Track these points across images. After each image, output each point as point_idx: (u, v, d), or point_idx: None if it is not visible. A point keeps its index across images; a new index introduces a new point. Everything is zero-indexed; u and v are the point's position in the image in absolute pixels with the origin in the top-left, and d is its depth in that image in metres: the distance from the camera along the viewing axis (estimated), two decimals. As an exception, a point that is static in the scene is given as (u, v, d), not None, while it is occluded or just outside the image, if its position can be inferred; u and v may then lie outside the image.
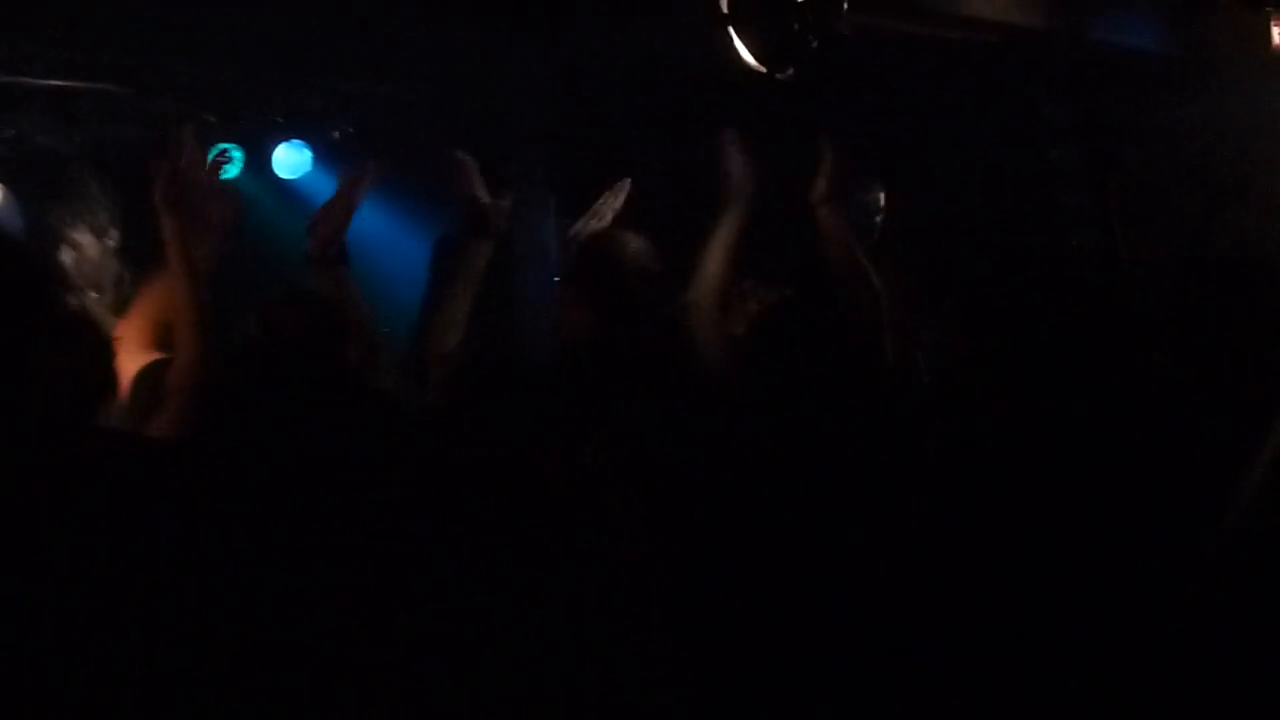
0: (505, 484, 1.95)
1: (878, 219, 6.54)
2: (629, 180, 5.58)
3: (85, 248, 5.37)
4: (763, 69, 5.75)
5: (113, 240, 5.99)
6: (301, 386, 3.39)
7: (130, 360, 4.44)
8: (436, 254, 6.28)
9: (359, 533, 2.99)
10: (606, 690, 1.85)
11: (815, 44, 5.69)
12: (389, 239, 7.95)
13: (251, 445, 3.28)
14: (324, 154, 8.13)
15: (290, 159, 8.13)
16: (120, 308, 4.99)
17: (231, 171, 7.55)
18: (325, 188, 7.65)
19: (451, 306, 5.05)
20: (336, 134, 8.13)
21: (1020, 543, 3.30)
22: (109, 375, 3.43)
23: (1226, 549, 2.95)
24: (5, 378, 2.78)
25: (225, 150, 6.19)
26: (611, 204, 5.58)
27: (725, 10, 5.67)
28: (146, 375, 4.28)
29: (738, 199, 4.86)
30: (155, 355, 4.34)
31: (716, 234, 4.82)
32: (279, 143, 8.09)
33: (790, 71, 5.76)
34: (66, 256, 5.38)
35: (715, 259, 4.84)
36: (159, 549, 2.69)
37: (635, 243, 4.97)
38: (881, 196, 6.37)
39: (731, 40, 5.70)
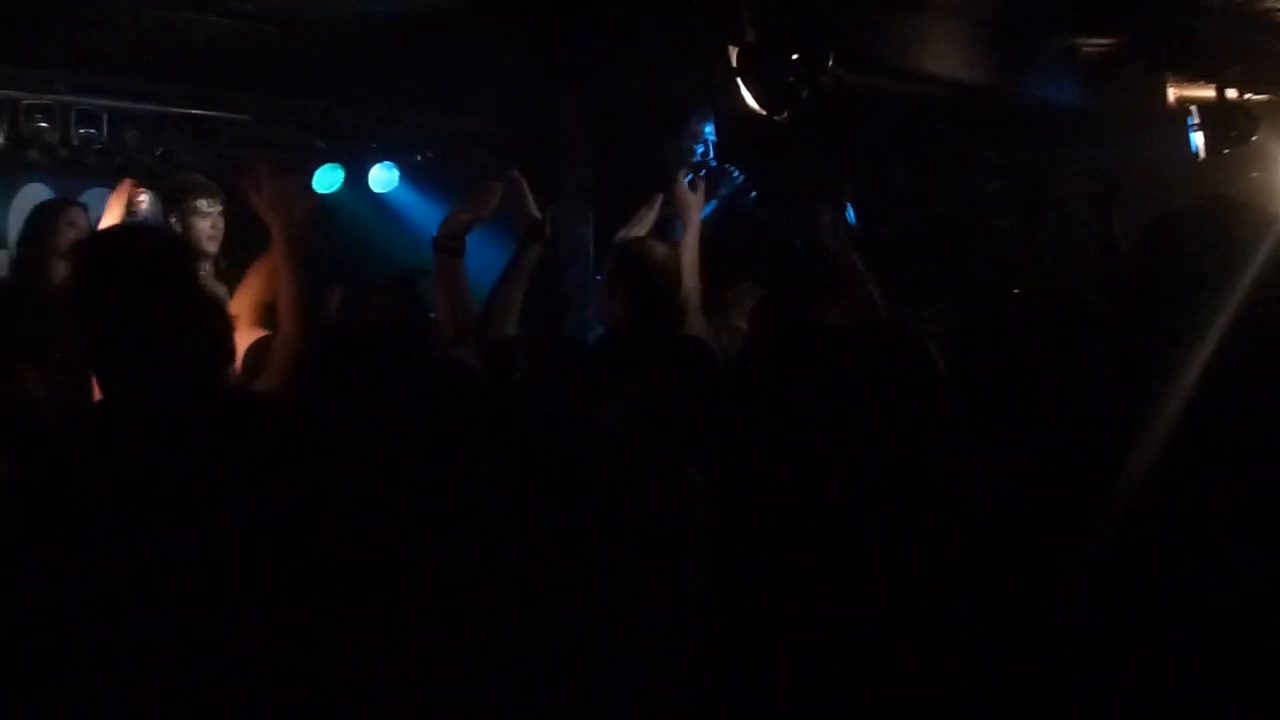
0: (571, 437, 1.85)
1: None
2: (660, 195, 5.52)
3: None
4: (763, 112, 5.80)
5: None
6: (383, 357, 3.44)
7: (241, 336, 4.31)
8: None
9: (438, 480, 2.84)
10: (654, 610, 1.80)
11: (805, 93, 5.74)
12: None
13: (342, 405, 3.29)
14: (409, 173, 8.11)
15: (382, 177, 8.11)
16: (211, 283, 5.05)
17: (334, 186, 7.64)
18: (410, 200, 7.99)
19: (507, 297, 4.98)
20: (419, 157, 8.10)
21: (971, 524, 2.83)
22: (232, 347, 3.41)
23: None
24: (160, 344, 2.84)
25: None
26: (648, 214, 5.54)
27: (734, 64, 5.74)
28: (255, 348, 4.30)
29: (690, 220, 5.11)
30: (261, 332, 4.34)
31: (683, 247, 5.02)
32: (374, 164, 8.07)
33: (785, 114, 5.83)
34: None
35: (686, 265, 5.00)
36: (270, 494, 2.74)
37: (660, 249, 5.03)
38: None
39: (739, 88, 5.76)
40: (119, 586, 2.57)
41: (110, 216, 5.02)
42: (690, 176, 5.37)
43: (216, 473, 2.71)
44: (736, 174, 6.58)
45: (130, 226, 4.99)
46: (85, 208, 6.39)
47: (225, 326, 3.15)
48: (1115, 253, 4.93)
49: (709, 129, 6.68)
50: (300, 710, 2.57)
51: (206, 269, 5.24)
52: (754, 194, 6.77)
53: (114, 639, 2.54)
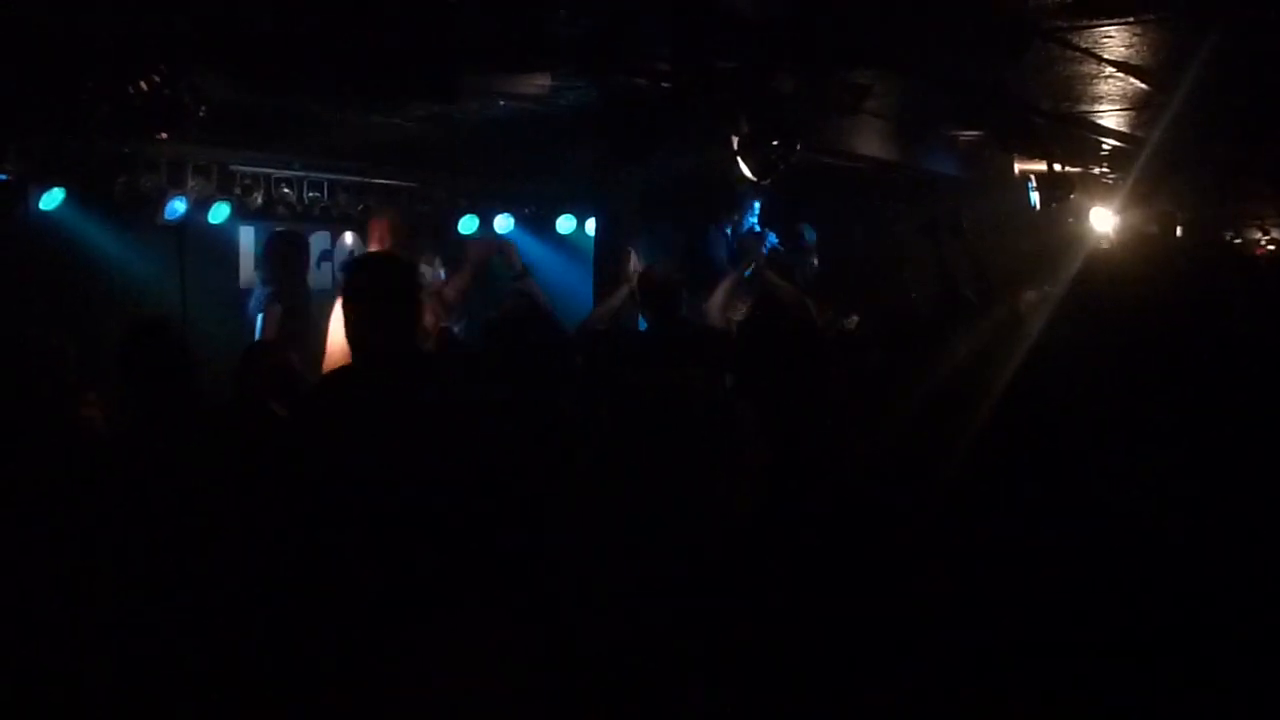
0: (667, 387, 1.70)
1: (814, 259, 6.49)
2: (630, 250, 5.81)
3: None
4: (755, 179, 5.88)
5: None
6: (524, 336, 3.53)
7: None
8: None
9: (559, 411, 2.95)
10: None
11: (782, 167, 5.81)
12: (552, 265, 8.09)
13: (498, 364, 3.39)
14: (520, 220, 8.08)
15: (504, 222, 7.98)
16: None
17: (470, 227, 7.72)
18: (520, 238, 7.87)
19: (603, 311, 5.45)
20: (526, 210, 8.14)
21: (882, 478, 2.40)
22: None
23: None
24: (399, 326, 2.88)
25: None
26: (626, 268, 5.69)
27: (736, 148, 5.77)
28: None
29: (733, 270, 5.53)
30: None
31: (725, 282, 5.50)
32: (498, 214, 7.94)
33: (769, 180, 5.93)
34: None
35: (721, 294, 5.52)
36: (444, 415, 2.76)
37: (657, 272, 5.13)
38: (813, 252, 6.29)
39: (739, 164, 5.80)
40: (374, 473, 2.63)
41: (374, 242, 5.12)
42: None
43: (433, 403, 2.81)
44: (771, 237, 6.56)
45: (381, 254, 4.93)
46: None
47: (422, 314, 3.14)
48: (945, 267, 4.88)
49: (754, 204, 6.64)
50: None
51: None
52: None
53: (366, 503, 2.59)
